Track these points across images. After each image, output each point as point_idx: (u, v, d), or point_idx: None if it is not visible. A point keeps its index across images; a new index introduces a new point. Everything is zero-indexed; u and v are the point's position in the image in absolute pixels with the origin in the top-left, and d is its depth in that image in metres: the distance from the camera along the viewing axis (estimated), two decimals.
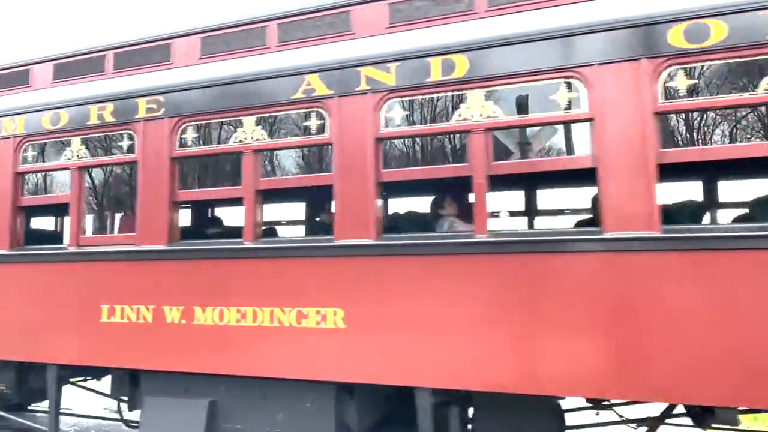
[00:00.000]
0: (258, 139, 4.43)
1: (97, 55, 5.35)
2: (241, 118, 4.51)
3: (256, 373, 4.27)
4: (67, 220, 5.56)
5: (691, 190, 5.70)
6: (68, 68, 5.45)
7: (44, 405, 6.66)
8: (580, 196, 6.27)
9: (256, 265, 4.33)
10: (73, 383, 6.00)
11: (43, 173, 5.60)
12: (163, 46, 5.07)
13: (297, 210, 7.48)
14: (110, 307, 4.73)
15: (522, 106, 3.80)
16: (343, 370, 4.01)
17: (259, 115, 4.46)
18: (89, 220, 6.71)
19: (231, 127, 4.59)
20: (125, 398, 5.21)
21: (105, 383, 6.14)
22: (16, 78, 5.71)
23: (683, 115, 4.90)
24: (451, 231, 4.53)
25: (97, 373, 5.81)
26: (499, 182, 3.87)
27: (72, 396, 6.27)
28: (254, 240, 4.37)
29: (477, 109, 3.83)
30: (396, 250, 3.94)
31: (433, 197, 4.85)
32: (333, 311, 4.03)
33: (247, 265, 4.36)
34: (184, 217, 6.66)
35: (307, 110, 4.31)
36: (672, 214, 3.81)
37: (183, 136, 4.69)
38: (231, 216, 6.79)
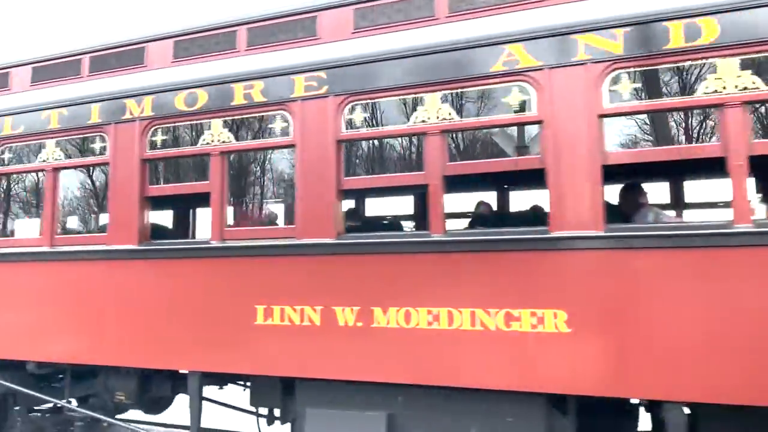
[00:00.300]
0: (445, 119, 3.92)
1: (226, 32, 4.85)
2: (422, 95, 4.00)
3: (450, 382, 3.76)
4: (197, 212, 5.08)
5: None
6: (191, 46, 4.94)
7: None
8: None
9: (449, 261, 3.82)
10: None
11: (174, 159, 5.09)
12: (307, 20, 4.56)
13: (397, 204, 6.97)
14: (267, 308, 4.21)
15: None
16: (564, 379, 3.50)
17: (446, 91, 3.95)
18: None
19: (409, 105, 4.08)
20: (266, 410, 4.72)
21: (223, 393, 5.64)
22: (129, 57, 5.20)
23: None
24: (658, 222, 4.03)
25: (220, 380, 5.29)
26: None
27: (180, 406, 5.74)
28: (443, 232, 3.86)
29: (731, 80, 3.32)
30: (633, 243, 3.43)
31: (624, 185, 4.34)
32: (553, 313, 3.52)
33: (437, 261, 3.85)
34: None
35: (508, 84, 3.80)
36: None
37: (350, 116, 4.18)
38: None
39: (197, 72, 4.67)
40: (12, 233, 6.26)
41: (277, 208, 5.02)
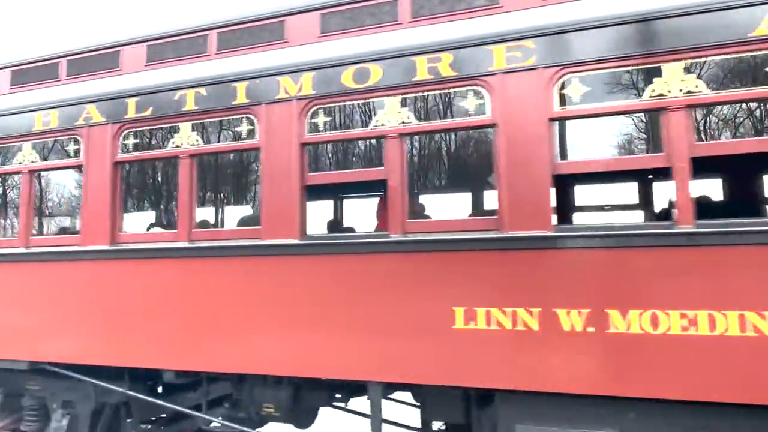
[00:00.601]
0: (691, 92, 3.40)
1: (383, 2, 4.32)
2: (659, 65, 3.47)
3: (711, 397, 3.23)
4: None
5: None
6: (342, 19, 4.43)
7: None
8: None
9: (706, 255, 3.29)
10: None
11: (339, 143, 4.57)
12: None
13: None
14: (468, 310, 3.69)
15: None
16: None
17: (690, 60, 3.42)
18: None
19: (641, 77, 3.56)
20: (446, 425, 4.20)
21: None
22: (266, 32, 4.68)
23: None
24: None
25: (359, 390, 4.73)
26: None
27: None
28: (692, 223, 3.34)
29: None
30: None
31: None
32: None
33: (688, 255, 3.32)
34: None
35: None
36: None
37: (565, 90, 3.66)
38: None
39: (368, 44, 4.14)
40: (140, 227, 5.72)
41: (465, 197, 4.50)
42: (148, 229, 5.54)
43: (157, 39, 5.11)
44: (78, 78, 5.33)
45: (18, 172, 5.33)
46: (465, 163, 5.06)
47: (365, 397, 4.81)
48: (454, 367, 3.72)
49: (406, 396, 4.93)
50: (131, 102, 4.83)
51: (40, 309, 4.98)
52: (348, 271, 4.04)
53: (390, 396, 4.99)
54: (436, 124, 4.05)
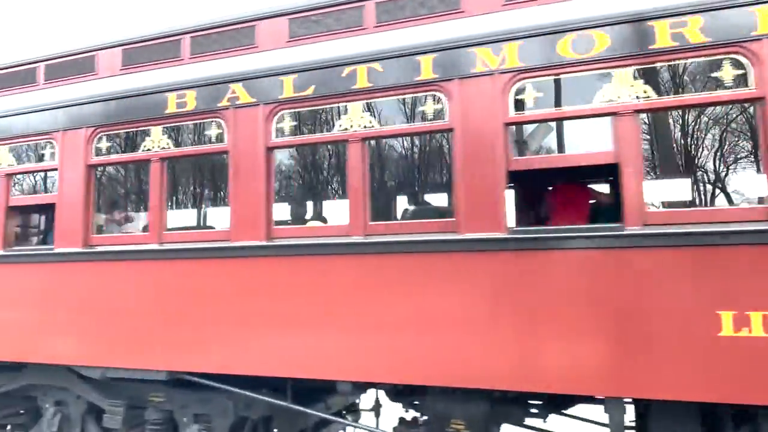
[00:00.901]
0: None
1: None
2: None
3: None
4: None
5: None
6: None
7: None
8: None
9: None
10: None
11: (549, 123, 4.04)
12: None
13: None
14: (738, 314, 3.15)
15: None
16: None
17: None
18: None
19: None
20: None
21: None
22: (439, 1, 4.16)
23: None
24: None
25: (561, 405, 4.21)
26: None
27: None
28: None
29: None
30: None
31: None
32: None
33: None
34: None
35: None
36: None
37: None
38: None
39: (593, 8, 3.61)
40: (302, 220, 5.17)
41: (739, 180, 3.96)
42: (304, 222, 5.01)
43: (300, 12, 4.58)
44: (202, 56, 4.83)
45: (147, 160, 4.81)
46: (713, 144, 4.51)
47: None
48: (716, 380, 3.18)
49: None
50: (288, 80, 4.31)
51: (178, 312, 4.46)
52: (569, 269, 3.50)
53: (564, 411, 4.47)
54: (684, 98, 3.49)
